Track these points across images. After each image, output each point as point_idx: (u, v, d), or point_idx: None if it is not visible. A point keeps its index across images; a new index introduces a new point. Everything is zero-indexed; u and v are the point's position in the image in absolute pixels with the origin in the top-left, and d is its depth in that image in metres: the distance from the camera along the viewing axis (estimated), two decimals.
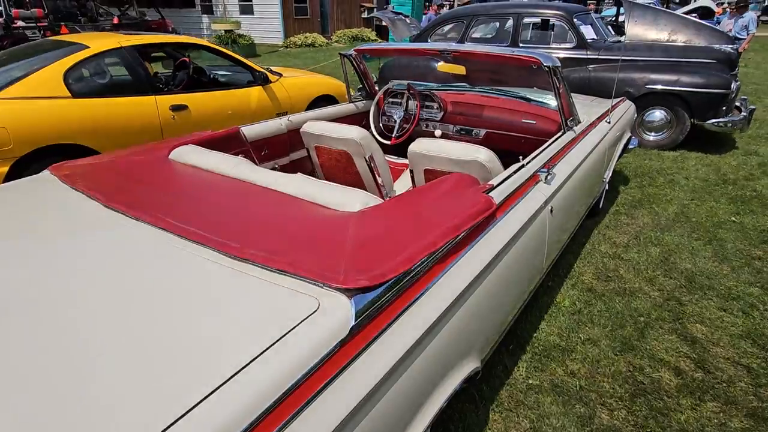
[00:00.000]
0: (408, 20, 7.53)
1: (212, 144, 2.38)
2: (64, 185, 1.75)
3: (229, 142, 2.48)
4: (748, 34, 8.57)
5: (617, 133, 3.30)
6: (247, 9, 17.59)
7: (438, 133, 3.35)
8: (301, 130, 2.74)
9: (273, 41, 17.20)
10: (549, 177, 2.09)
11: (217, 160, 1.92)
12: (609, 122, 3.16)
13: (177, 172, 1.88)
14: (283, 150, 2.95)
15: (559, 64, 2.43)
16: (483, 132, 3.24)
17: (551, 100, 3.05)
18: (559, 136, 2.48)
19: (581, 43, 5.55)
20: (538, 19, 5.92)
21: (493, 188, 1.76)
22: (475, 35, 6.35)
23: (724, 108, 5.01)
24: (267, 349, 0.95)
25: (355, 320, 1.06)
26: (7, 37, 12.36)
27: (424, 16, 15.90)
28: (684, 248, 3.23)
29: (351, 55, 3.18)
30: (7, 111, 3.16)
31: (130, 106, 3.69)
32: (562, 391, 2.06)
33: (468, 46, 2.69)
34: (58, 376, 0.90)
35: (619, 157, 3.57)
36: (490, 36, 6.76)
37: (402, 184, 3.13)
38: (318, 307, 1.07)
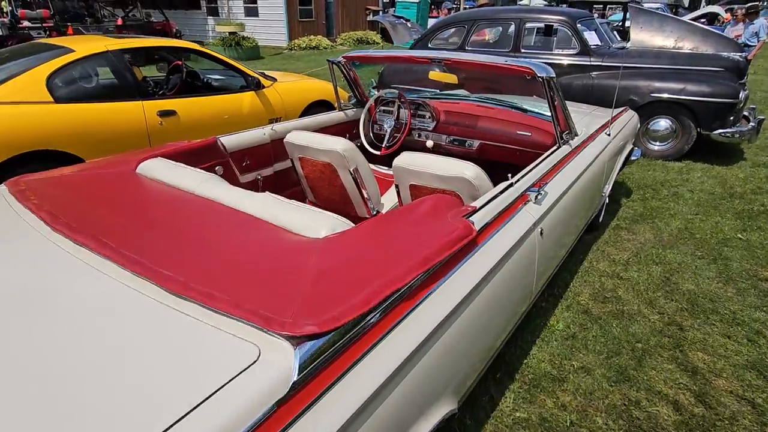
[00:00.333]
0: (409, 24, 7.43)
1: (187, 156, 2.27)
2: (17, 202, 1.64)
3: (205, 154, 2.36)
4: (758, 41, 8.38)
5: (618, 144, 3.16)
6: (251, 11, 17.56)
7: (430, 143, 3.22)
8: (284, 140, 2.62)
9: (277, 43, 17.15)
10: (539, 196, 1.95)
11: (183, 175, 1.81)
12: (609, 134, 3.02)
13: (139, 189, 1.76)
14: (266, 161, 2.84)
15: (554, 75, 2.30)
16: (477, 143, 3.11)
17: (548, 111, 2.91)
18: (554, 151, 2.35)
19: (584, 50, 5.41)
20: (540, 25, 5.78)
21: (475, 211, 1.63)
22: (477, 40, 6.22)
23: (731, 118, 4.85)
24: (192, 410, 0.83)
25: (298, 374, 0.93)
26: (12, 37, 12.39)
27: (434, 20, 15.79)
28: (687, 267, 3.08)
29: (339, 62, 3.06)
30: None
31: (115, 111, 3.59)
32: (551, 426, 1.93)
33: (459, 55, 2.56)
34: None
35: (621, 169, 3.43)
36: (492, 41, 6.63)
37: (391, 197, 3.00)
38: (258, 357, 0.94)
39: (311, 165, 2.64)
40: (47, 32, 13.13)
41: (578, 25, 5.45)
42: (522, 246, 1.77)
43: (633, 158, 3.66)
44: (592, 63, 5.37)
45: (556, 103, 2.37)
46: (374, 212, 2.73)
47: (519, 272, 1.77)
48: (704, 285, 2.88)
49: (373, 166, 3.23)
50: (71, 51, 3.53)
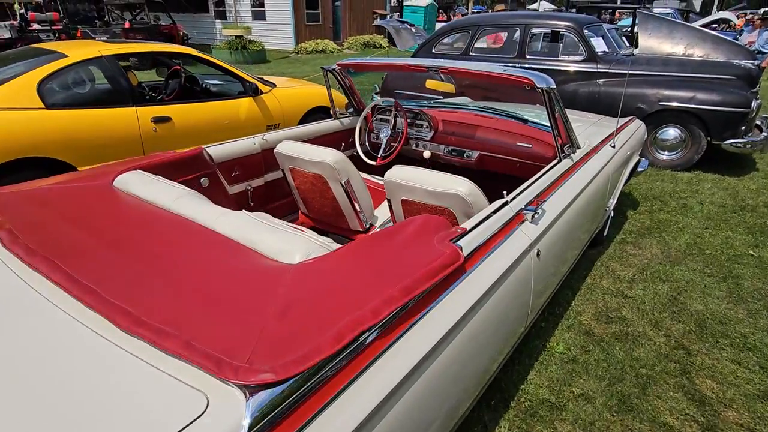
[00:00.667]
0: (414, 29, 7.34)
1: (170, 168, 2.18)
2: None
3: (190, 165, 2.27)
4: None
5: (624, 156, 3.03)
6: (259, 15, 17.59)
7: (427, 154, 3.11)
8: (274, 150, 2.53)
9: (284, 47, 17.15)
10: (536, 216, 1.84)
11: (159, 190, 1.72)
12: (614, 146, 2.89)
13: (112, 205, 1.67)
14: (256, 171, 2.74)
15: (554, 86, 2.19)
16: (476, 154, 2.99)
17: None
18: (553, 166, 2.23)
19: (591, 56, 5.28)
20: (547, 30, 5.67)
21: (465, 233, 1.52)
22: (481, 46, 6.11)
23: (743, 127, 4.70)
24: None
25: (248, 431, 0.83)
26: (21, 39, 12.47)
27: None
28: (695, 286, 2.94)
29: (334, 69, 2.96)
30: None
31: (108, 118, 3.52)
32: None
33: (456, 63, 2.45)
34: None
35: (627, 181, 3.30)
36: (497, 47, 6.52)
37: (386, 210, 2.90)
38: (205, 409, 0.84)
39: (302, 176, 2.54)
40: (56, 35, 13.23)
41: (585, 31, 5.33)
42: (516, 269, 1.66)
43: (640, 169, 3.53)
44: (599, 70, 5.24)
45: (556, 115, 2.26)
46: (367, 225, 2.63)
47: (513, 297, 1.66)
48: (713, 305, 2.75)
49: (368, 176, 3.13)
50: (64, 56, 3.47)
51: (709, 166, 5.05)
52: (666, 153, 5.08)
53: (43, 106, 3.27)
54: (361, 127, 3.26)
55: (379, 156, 3.10)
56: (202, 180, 2.32)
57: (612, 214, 3.30)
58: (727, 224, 3.79)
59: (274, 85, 4.70)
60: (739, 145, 4.70)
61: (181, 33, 15.05)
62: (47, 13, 14.05)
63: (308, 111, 4.86)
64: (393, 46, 18.01)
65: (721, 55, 5.06)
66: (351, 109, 3.40)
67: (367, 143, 3.27)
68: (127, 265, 1.26)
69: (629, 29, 10.38)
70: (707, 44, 5.13)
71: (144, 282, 1.18)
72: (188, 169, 2.26)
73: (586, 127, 3.13)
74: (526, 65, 5.56)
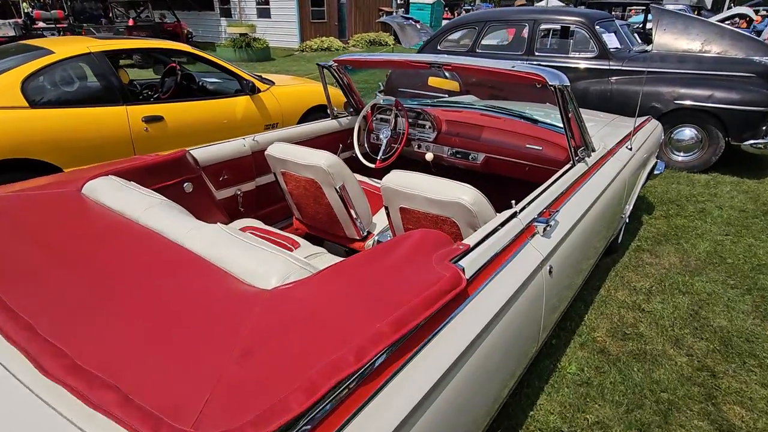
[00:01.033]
0: (419, 26, 7.14)
1: (148, 172, 2.01)
2: None
3: (171, 169, 2.10)
4: None
5: (641, 159, 2.83)
6: (264, 12, 17.43)
7: (429, 156, 2.93)
8: (265, 153, 2.36)
9: (289, 45, 16.99)
10: (548, 228, 1.65)
11: (130, 199, 1.55)
12: (630, 148, 2.69)
13: (76, 216, 1.50)
14: (247, 174, 2.57)
15: (568, 84, 2.00)
16: (482, 156, 2.80)
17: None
18: (566, 171, 2.04)
19: (603, 53, 5.06)
20: (556, 26, 5.46)
21: (468, 251, 1.34)
22: (488, 42, 5.91)
23: (764, 127, 4.47)
24: None
25: None
26: (25, 37, 12.41)
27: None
28: (718, 298, 2.74)
29: (331, 66, 2.78)
30: None
31: (96, 117, 3.36)
32: None
33: (461, 59, 2.26)
34: None
35: (643, 185, 3.10)
36: (504, 44, 6.32)
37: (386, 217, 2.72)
38: None
39: (295, 181, 2.37)
40: (61, 33, 13.17)
41: (597, 27, 5.11)
42: (527, 289, 1.47)
43: (656, 172, 3.32)
44: (611, 67, 5.02)
45: (570, 115, 2.06)
46: (364, 233, 2.45)
47: (522, 320, 1.47)
48: (738, 321, 2.54)
49: (367, 180, 2.95)
50: (50, 53, 3.31)
51: (727, 168, 4.82)
52: (682, 154, 4.86)
53: (27, 105, 3.12)
54: (360, 128, 3.08)
55: (378, 158, 2.92)
56: (185, 185, 2.15)
57: (627, 221, 3.10)
58: (748, 230, 3.57)
59: (273, 83, 4.53)
60: (760, 146, 4.47)
61: (186, 31, 14.94)
62: (52, 11, 14.01)
63: (308, 110, 4.69)
64: (399, 43, 17.82)
65: (739, 51, 4.83)
66: (350, 109, 3.22)
67: (366, 144, 3.09)
68: (76, 290, 1.09)
69: (640, 26, 10.12)
70: (725, 40, 4.89)
71: (90, 312, 1.01)
72: (169, 174, 2.09)
73: (600, 127, 2.93)
74: (535, 63, 5.36)
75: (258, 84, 4.29)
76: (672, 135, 4.83)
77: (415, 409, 0.98)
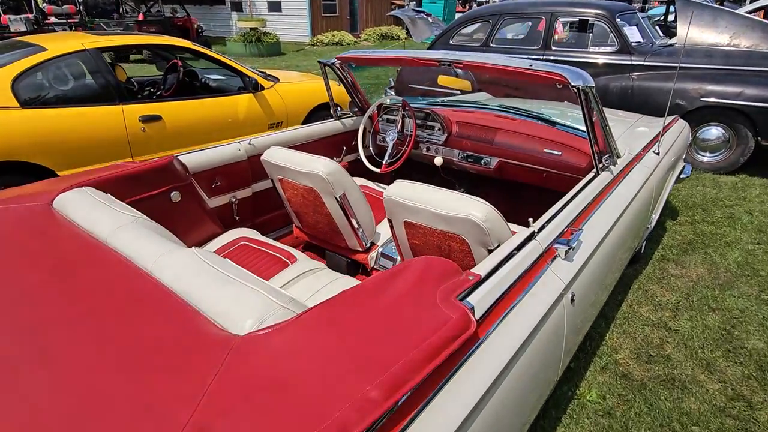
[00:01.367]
0: (431, 19, 6.91)
1: (131, 182, 1.85)
2: None
3: (157, 178, 1.94)
4: None
5: (669, 164, 2.61)
6: (275, 6, 17.27)
7: (439, 160, 2.73)
8: (261, 158, 2.19)
9: (300, 39, 16.82)
10: (571, 250, 1.46)
11: (101, 216, 1.39)
12: (658, 152, 2.48)
13: (40, 236, 1.35)
14: (242, 180, 2.41)
15: (593, 84, 1.79)
16: (495, 161, 2.60)
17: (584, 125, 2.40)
18: (590, 181, 1.84)
19: (624, 47, 4.80)
20: (575, 19, 5.20)
21: (479, 283, 1.16)
22: (503, 36, 5.67)
23: None
24: None
25: None
26: (36, 32, 12.42)
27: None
28: (752, 316, 2.52)
29: (333, 63, 2.60)
30: None
31: (90, 117, 3.23)
32: None
33: (472, 56, 2.06)
34: None
35: (670, 191, 2.87)
36: (520, 37, 6.07)
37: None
38: None
39: (292, 188, 2.20)
40: (72, 28, 13.17)
41: (617, 20, 4.85)
42: (545, 324, 1.28)
43: (683, 176, 3.09)
44: (633, 62, 4.76)
45: (594, 119, 1.86)
46: (367, 245, 2.28)
47: (540, 361, 1.28)
48: None
49: (373, 185, 2.78)
50: (43, 50, 3.18)
51: (756, 170, 4.55)
52: (707, 155, 4.59)
53: (17, 105, 2.99)
54: (365, 129, 2.90)
55: (384, 162, 2.74)
56: (172, 194, 1.99)
57: (652, 229, 2.88)
58: None
59: (277, 80, 4.37)
60: None
61: (196, 25, 14.85)
62: (63, 6, 14.00)
63: (314, 108, 4.52)
64: (411, 37, 17.55)
65: None
66: (355, 109, 3.03)
67: (371, 147, 2.91)
68: (18, 336, 0.93)
69: (662, 18, 9.74)
70: (756, 33, 4.60)
71: (32, 365, 0.85)
72: (155, 183, 1.93)
73: (624, 128, 2.72)
74: (551, 57, 5.12)
75: (261, 81, 4.13)
76: (697, 134, 4.57)
77: None
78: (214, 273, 1.10)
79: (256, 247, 2.09)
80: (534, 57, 5.14)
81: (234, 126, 3.95)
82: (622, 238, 1.88)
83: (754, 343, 2.33)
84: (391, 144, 2.77)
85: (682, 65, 4.59)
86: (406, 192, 1.65)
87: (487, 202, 1.51)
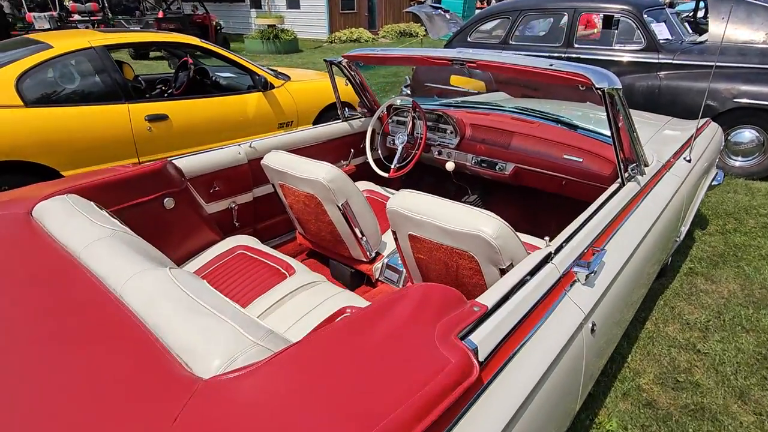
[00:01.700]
0: (448, 15, 6.72)
1: (121, 188, 1.75)
2: None
3: (150, 183, 1.84)
4: None
5: (701, 171, 2.42)
6: (293, 3, 17.24)
7: (450, 165, 2.58)
8: (261, 162, 2.08)
9: (318, 36, 16.75)
10: (592, 275, 1.30)
11: (77, 228, 1.29)
12: (689, 159, 2.29)
13: (12, 249, 1.25)
14: (243, 185, 2.30)
15: (620, 86, 1.62)
16: (510, 167, 2.44)
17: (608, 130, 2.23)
18: (613, 193, 1.67)
19: (652, 45, 4.57)
20: (599, 15, 4.98)
21: (485, 316, 1.01)
22: (523, 34, 5.46)
23: None
24: None
25: None
26: (60, 29, 12.59)
27: None
28: None
29: (340, 62, 2.47)
30: None
31: (95, 116, 3.16)
32: None
33: (489, 55, 1.91)
34: None
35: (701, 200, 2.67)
36: (542, 34, 5.85)
37: None
38: None
39: (294, 195, 2.08)
40: (95, 25, 13.32)
41: (645, 16, 4.61)
42: (561, 360, 1.13)
43: (714, 183, 2.88)
44: (661, 60, 4.52)
45: (620, 123, 1.69)
46: (372, 255, 2.15)
47: (557, 395, 1.13)
48: None
49: (381, 190, 2.64)
50: (49, 47, 3.12)
51: None
52: (740, 158, 4.34)
53: (22, 103, 2.93)
54: (374, 131, 2.76)
55: (393, 166, 2.60)
56: (165, 201, 1.89)
57: (681, 241, 2.69)
58: None
59: (288, 78, 4.25)
60: None
61: (215, 22, 14.88)
62: (87, 4, 14.18)
63: (326, 107, 4.40)
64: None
65: None
66: (364, 110, 2.90)
67: (380, 150, 2.77)
68: None
69: (690, 14, 9.36)
70: None
71: None
72: (146, 189, 1.83)
73: (652, 132, 2.53)
74: (574, 55, 4.90)
75: (271, 79, 4.03)
76: (729, 137, 4.32)
77: None
78: (185, 300, 0.98)
79: (254, 256, 1.98)
80: (555, 55, 4.94)
81: (242, 126, 3.85)
82: (648, 256, 1.71)
83: None
84: (400, 147, 2.63)
85: (714, 64, 4.33)
86: (410, 203, 1.52)
87: (498, 217, 1.37)
